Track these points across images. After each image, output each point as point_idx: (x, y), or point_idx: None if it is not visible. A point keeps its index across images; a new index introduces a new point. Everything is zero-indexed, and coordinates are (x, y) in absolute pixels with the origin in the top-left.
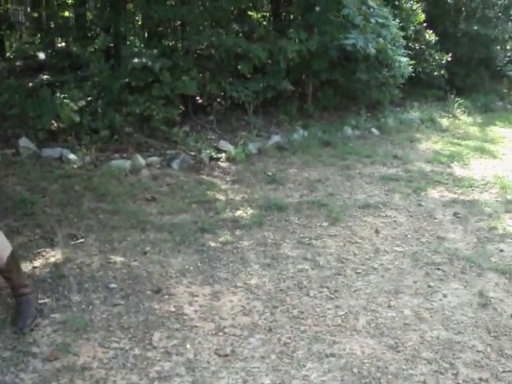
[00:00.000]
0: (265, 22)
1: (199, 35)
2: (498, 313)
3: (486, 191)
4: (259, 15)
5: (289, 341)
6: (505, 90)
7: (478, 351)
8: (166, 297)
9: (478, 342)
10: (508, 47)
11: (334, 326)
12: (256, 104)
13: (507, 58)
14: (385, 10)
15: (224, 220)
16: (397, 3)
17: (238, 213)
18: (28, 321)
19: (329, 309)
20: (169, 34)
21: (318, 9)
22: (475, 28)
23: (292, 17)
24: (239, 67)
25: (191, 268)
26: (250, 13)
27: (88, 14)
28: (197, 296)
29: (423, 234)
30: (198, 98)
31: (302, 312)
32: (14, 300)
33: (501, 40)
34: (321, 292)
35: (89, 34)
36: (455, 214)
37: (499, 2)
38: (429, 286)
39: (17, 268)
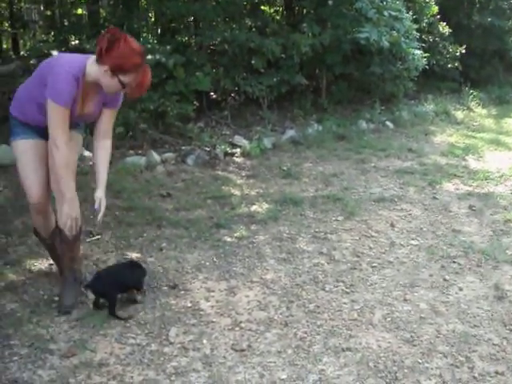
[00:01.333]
0: (278, 17)
1: (212, 31)
2: None
3: (501, 183)
4: (272, 10)
5: (305, 335)
6: None
7: (493, 344)
8: (183, 292)
9: (494, 335)
10: None
11: (350, 320)
12: (270, 99)
13: None
14: (398, 2)
15: (239, 215)
16: None
17: (254, 208)
18: (74, 300)
19: (345, 303)
20: (182, 29)
21: (330, 2)
22: (489, 19)
23: (305, 11)
24: (253, 62)
25: (207, 263)
26: (262, 7)
27: (101, 11)
28: (213, 291)
29: (438, 227)
30: (212, 94)
31: (318, 306)
32: (64, 276)
33: None
34: (336, 286)
35: (102, 32)
36: (470, 207)
37: None
38: (444, 280)
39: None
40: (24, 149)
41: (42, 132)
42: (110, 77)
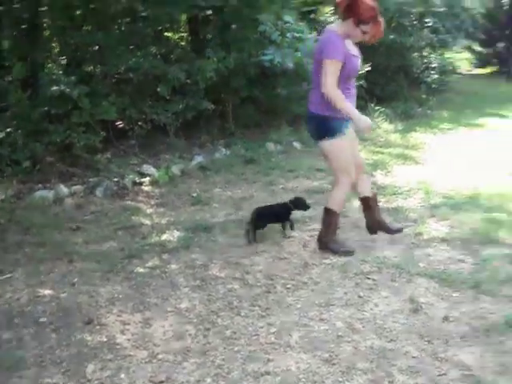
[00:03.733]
0: (183, 43)
1: (117, 59)
2: (430, 317)
3: (410, 197)
4: (177, 36)
5: (223, 362)
6: (423, 96)
7: (412, 357)
8: (98, 327)
9: (412, 347)
10: (425, 54)
11: (267, 344)
12: (177, 125)
13: (424, 65)
14: (301, 24)
15: (151, 245)
16: (313, 16)
17: (165, 236)
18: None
19: (261, 327)
20: (87, 59)
21: (234, 27)
22: (391, 37)
23: (209, 36)
24: (158, 89)
25: (121, 296)
26: (166, 34)
27: (3, 42)
28: (128, 324)
29: (351, 245)
30: (118, 123)
31: (235, 332)
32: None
33: (417, 48)
34: (252, 311)
35: (6, 64)
36: None
37: (414, 11)
38: (359, 297)
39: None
40: (346, 143)
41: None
42: (354, 28)
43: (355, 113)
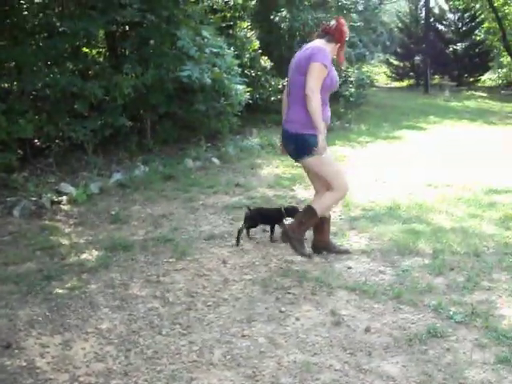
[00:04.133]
0: (100, 59)
1: (34, 76)
2: (352, 329)
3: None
4: (95, 51)
5: (146, 383)
6: (342, 110)
7: (335, 370)
8: (17, 351)
9: (335, 360)
10: (342, 68)
11: (189, 363)
12: (95, 143)
13: (342, 79)
14: (219, 39)
15: (70, 265)
16: (231, 32)
17: (84, 256)
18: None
19: (183, 345)
20: (3, 75)
21: (152, 42)
22: None
23: (127, 52)
24: (76, 106)
25: (40, 318)
26: (84, 49)
27: None
28: (48, 347)
29: (271, 260)
30: (35, 141)
31: (157, 352)
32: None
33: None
34: (173, 329)
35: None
36: None
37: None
38: (280, 311)
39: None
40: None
41: None
42: (336, 51)
43: (320, 130)
